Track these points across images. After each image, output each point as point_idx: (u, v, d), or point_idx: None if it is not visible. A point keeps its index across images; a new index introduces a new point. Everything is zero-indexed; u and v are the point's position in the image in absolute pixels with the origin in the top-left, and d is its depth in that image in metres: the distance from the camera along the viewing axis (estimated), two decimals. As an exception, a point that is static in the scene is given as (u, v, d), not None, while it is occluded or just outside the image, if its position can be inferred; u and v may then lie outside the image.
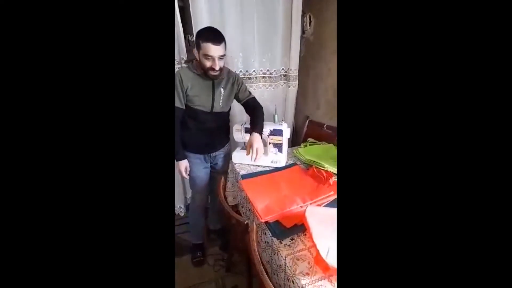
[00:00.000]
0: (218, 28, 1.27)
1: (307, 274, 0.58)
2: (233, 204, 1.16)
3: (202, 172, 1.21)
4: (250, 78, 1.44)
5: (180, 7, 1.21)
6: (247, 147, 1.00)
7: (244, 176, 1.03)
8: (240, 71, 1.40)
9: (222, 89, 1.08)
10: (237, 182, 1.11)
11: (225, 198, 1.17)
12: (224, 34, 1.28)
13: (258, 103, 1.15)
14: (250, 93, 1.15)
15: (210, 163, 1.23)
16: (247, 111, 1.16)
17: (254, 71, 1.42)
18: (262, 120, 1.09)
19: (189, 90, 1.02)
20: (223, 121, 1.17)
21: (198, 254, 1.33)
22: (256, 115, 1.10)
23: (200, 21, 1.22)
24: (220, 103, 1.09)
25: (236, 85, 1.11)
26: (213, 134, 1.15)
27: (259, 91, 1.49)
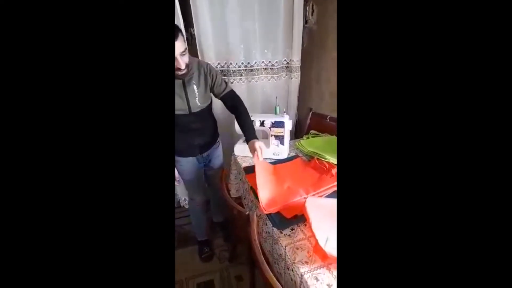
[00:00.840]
0: (219, 20, 1.27)
1: (306, 262, 0.59)
2: (236, 196, 1.17)
3: (197, 174, 1.17)
4: (252, 70, 1.42)
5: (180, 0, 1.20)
6: (252, 152, 0.94)
7: (248, 170, 1.03)
8: (242, 63, 1.39)
9: (194, 86, 0.95)
10: (239, 174, 1.12)
11: (228, 190, 1.18)
12: (225, 26, 1.28)
13: (238, 98, 1.04)
14: (226, 84, 1.03)
15: (204, 162, 1.17)
16: (227, 107, 1.06)
17: (255, 62, 1.41)
18: (249, 118, 1.01)
19: None
20: (207, 119, 1.08)
21: (206, 250, 1.35)
22: (241, 116, 1.00)
23: (201, 13, 1.21)
24: (197, 101, 0.97)
25: (209, 77, 0.98)
26: (200, 134, 1.07)
27: (261, 83, 1.48)
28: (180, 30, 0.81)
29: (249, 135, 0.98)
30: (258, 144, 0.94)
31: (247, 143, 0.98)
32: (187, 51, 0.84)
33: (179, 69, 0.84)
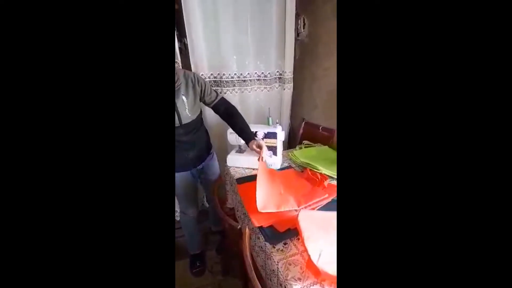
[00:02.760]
0: (212, 31, 1.28)
1: (299, 279, 0.57)
2: (232, 206, 1.15)
3: (191, 188, 1.14)
4: (244, 81, 1.44)
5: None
6: (259, 151, 0.93)
7: (239, 181, 1.02)
8: (235, 74, 1.40)
9: (183, 97, 0.93)
10: (231, 185, 1.10)
11: (225, 200, 1.16)
12: (218, 37, 1.30)
13: (230, 105, 1.03)
14: (217, 93, 1.02)
15: (199, 175, 1.14)
16: (220, 115, 1.04)
17: (248, 73, 1.42)
18: (245, 122, 1.01)
19: None
20: (198, 130, 1.05)
21: (198, 264, 1.31)
22: (237, 121, 1.00)
23: (194, 23, 1.22)
24: (187, 112, 0.94)
25: (198, 87, 0.96)
26: (193, 146, 1.03)
27: (254, 94, 1.49)
28: None
29: (249, 136, 0.97)
30: (259, 142, 0.93)
31: (247, 145, 0.98)
32: (179, 62, 0.85)
33: None
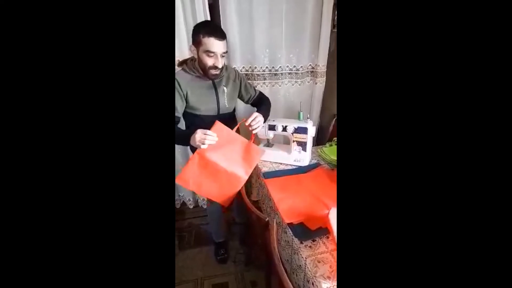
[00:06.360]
0: (246, 24, 1.28)
1: (329, 278, 0.56)
2: (257, 199, 1.16)
3: None
4: (276, 74, 1.42)
5: (209, 5, 1.23)
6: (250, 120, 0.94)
7: (267, 175, 1.02)
8: (266, 67, 1.39)
9: (224, 87, 0.99)
10: (258, 178, 1.11)
11: (250, 193, 1.17)
12: (251, 30, 1.29)
13: (266, 97, 1.11)
14: (255, 89, 1.08)
15: None
16: (254, 106, 1.11)
17: (280, 67, 1.40)
18: (269, 109, 1.07)
19: (190, 95, 0.92)
20: (232, 122, 1.06)
21: (222, 252, 1.35)
22: (262, 108, 1.04)
23: (229, 15, 1.23)
24: (226, 103, 0.99)
25: (238, 81, 1.03)
26: None
27: (285, 88, 1.47)
28: (225, 35, 0.90)
29: (260, 111, 0.99)
30: (256, 114, 0.93)
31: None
32: (226, 54, 0.90)
33: (216, 68, 0.89)
